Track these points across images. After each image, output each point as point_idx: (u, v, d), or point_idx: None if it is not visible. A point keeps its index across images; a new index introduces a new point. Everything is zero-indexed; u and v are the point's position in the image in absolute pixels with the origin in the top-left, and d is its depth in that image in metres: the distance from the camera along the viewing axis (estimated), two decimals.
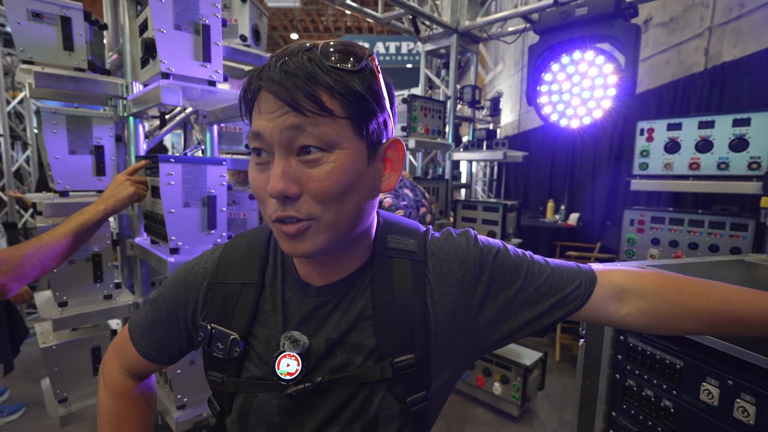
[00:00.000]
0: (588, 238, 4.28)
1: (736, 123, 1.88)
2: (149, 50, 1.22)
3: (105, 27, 1.60)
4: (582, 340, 1.12)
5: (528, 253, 0.68)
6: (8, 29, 3.89)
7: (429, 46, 3.36)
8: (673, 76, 3.88)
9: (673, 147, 2.06)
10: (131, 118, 1.52)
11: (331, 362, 0.59)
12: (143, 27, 1.31)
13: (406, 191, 1.95)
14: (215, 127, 1.75)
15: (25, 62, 1.34)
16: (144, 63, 1.34)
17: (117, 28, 1.69)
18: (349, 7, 2.61)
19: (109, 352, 0.75)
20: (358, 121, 0.50)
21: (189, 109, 1.64)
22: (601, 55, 2.22)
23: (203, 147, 1.56)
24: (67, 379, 1.50)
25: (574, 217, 4.46)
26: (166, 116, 1.70)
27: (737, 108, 2.55)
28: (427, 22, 2.97)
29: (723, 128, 1.91)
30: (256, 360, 0.61)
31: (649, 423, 0.94)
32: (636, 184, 2.17)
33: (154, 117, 1.71)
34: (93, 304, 1.51)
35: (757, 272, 1.16)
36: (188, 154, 1.60)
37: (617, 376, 1.03)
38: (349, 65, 0.49)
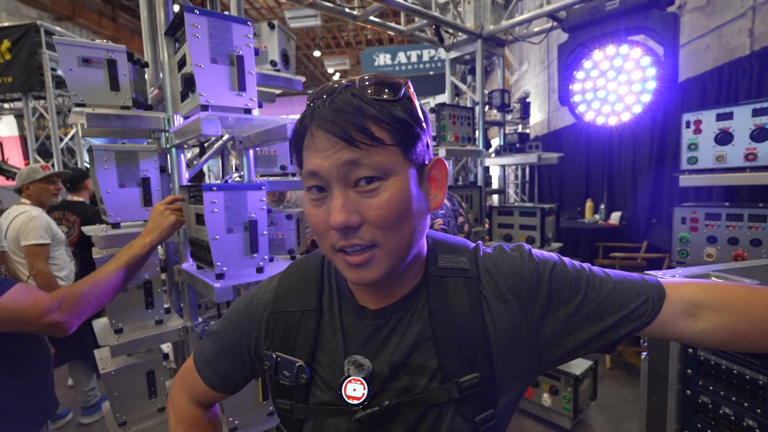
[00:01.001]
0: (632, 237, 4.08)
1: None
2: (189, 84, 1.27)
3: (146, 65, 1.69)
4: (645, 354, 1.05)
5: (586, 265, 0.65)
6: (60, 73, 4.21)
7: (453, 54, 3.34)
8: (715, 62, 3.66)
9: (724, 138, 1.93)
10: (173, 150, 1.58)
11: (396, 385, 0.59)
12: (182, 62, 1.37)
13: (444, 201, 1.92)
14: (251, 152, 1.80)
15: (77, 105, 1.43)
16: (184, 96, 1.39)
17: (157, 65, 1.78)
18: (373, 23, 2.64)
19: (175, 384, 0.78)
20: (405, 146, 0.53)
21: (226, 137, 1.69)
22: (637, 47, 2.13)
23: (242, 173, 1.60)
24: (125, 403, 1.57)
25: (615, 216, 4.27)
26: (205, 144, 1.77)
27: None
28: (451, 30, 2.96)
29: None
30: (322, 386, 0.62)
31: None
32: (685, 180, 2.05)
33: (193, 146, 1.78)
34: (146, 330, 1.57)
35: None
36: (228, 180, 1.65)
37: (688, 392, 0.95)
38: (390, 95, 0.52)
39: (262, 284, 0.73)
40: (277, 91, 1.94)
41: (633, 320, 0.60)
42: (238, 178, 1.65)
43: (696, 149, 2.01)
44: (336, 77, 1.94)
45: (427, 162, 0.57)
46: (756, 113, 1.84)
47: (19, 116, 5.36)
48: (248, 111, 1.35)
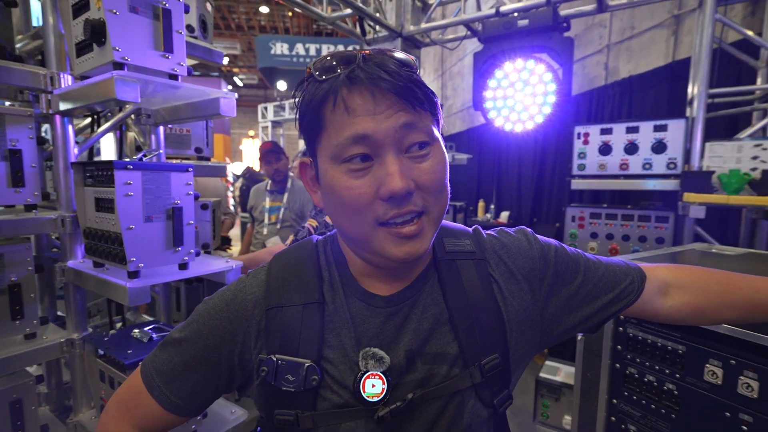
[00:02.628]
0: None
1: (656, 128, 2.15)
2: (96, 35, 1.00)
3: (13, 4, 1.30)
4: (580, 335, 1.17)
5: (580, 251, 0.70)
6: None
7: None
8: (580, 88, 4.34)
9: (606, 149, 2.29)
10: (57, 117, 1.25)
11: (414, 375, 0.55)
12: (82, 5, 1.08)
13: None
14: (161, 129, 1.53)
15: None
16: (82, 50, 1.10)
17: (26, 8, 1.39)
18: (295, 4, 2.47)
19: (111, 413, 0.61)
20: (436, 115, 0.53)
21: (130, 107, 1.39)
22: (541, 63, 2.40)
23: (161, 151, 1.34)
24: None
25: (504, 215, 4.77)
26: (98, 115, 1.43)
27: (641, 117, 2.93)
28: (372, 24, 2.94)
29: (646, 133, 2.18)
30: (333, 386, 0.54)
31: (652, 406, 1.01)
32: (576, 183, 2.37)
33: (86, 116, 1.43)
34: (10, 347, 1.21)
35: (709, 258, 1.32)
36: (143, 160, 1.36)
37: (617, 365, 1.09)
38: (411, 70, 0.51)
39: (244, 279, 0.61)
40: (194, 62, 1.68)
41: (622, 299, 0.66)
42: (153, 159, 1.38)
43: (585, 157, 2.35)
44: (225, 62, 1.75)
45: None
46: (629, 130, 2.23)
47: None
48: (174, 77, 1.13)
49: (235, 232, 6.81)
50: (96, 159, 1.56)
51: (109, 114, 1.57)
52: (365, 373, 0.53)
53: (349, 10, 2.77)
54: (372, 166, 0.49)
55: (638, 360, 1.04)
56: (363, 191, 0.49)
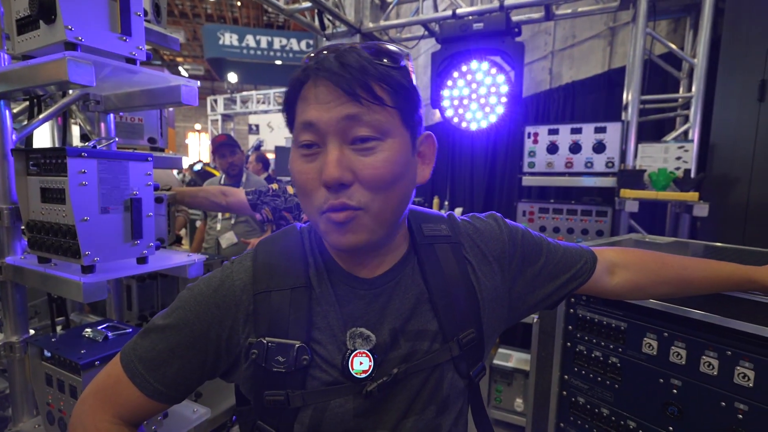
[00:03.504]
0: None
1: (597, 130, 2.35)
2: (45, 11, 0.93)
3: None
4: (536, 318, 1.26)
5: (542, 234, 0.77)
6: None
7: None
8: (527, 91, 4.59)
9: (553, 149, 2.46)
10: None
11: (398, 352, 0.59)
12: None
13: (296, 199, 1.92)
14: (111, 117, 1.44)
15: None
16: (25, 27, 1.02)
17: None
18: None
19: (88, 402, 0.59)
20: (404, 111, 0.54)
21: (76, 91, 1.30)
22: (494, 66, 2.53)
23: (115, 139, 1.26)
24: None
25: (458, 211, 4.94)
26: (39, 99, 1.32)
27: (583, 119, 3.17)
28: (331, 19, 2.93)
29: (588, 134, 2.37)
30: (323, 365, 0.57)
31: (599, 379, 1.12)
32: (526, 180, 2.53)
33: (24, 99, 1.31)
34: None
35: (644, 245, 1.48)
36: (96, 146, 1.27)
37: (569, 344, 1.19)
38: (390, 62, 0.53)
39: (229, 266, 0.62)
40: (147, 47, 1.59)
41: (578, 278, 0.74)
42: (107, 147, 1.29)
43: (534, 156, 2.51)
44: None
45: (419, 135, 0.59)
46: (573, 131, 2.40)
47: None
48: (132, 61, 1.08)
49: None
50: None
51: (50, 99, 1.45)
52: (353, 351, 0.56)
53: (308, 3, 2.74)
54: (319, 153, 0.52)
55: (586, 338, 1.15)
56: (309, 176, 0.53)
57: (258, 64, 11.44)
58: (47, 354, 1.13)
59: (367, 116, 0.50)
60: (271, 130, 12.61)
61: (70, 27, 0.93)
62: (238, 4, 13.88)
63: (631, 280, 0.78)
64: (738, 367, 0.86)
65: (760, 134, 1.84)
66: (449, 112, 2.75)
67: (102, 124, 1.42)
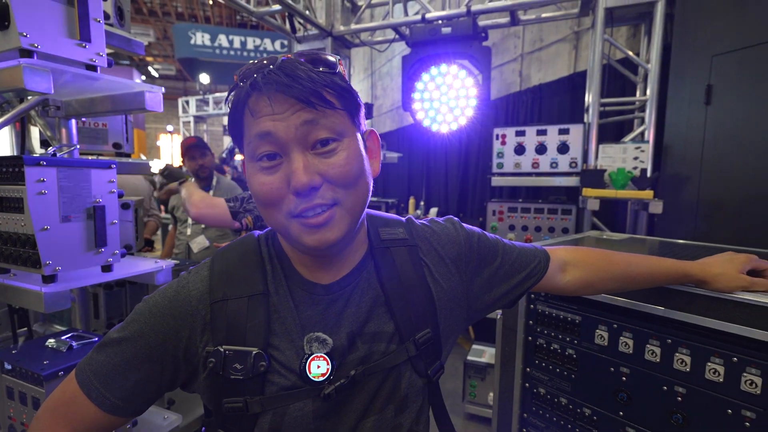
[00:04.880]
0: None
1: (561, 132, 2.44)
2: None
3: None
4: (499, 314, 1.31)
5: (498, 236, 0.81)
6: None
7: (303, 47, 3.32)
8: (498, 93, 4.70)
9: (520, 150, 2.54)
10: None
11: (355, 355, 0.61)
12: None
13: None
14: (73, 123, 1.41)
15: None
16: None
17: None
18: None
19: (44, 420, 0.59)
20: (351, 112, 0.57)
21: (34, 98, 1.27)
22: (463, 69, 2.59)
23: (76, 146, 1.24)
24: None
25: (433, 212, 5.01)
26: None
27: (550, 121, 3.29)
28: (302, 22, 2.93)
29: (552, 135, 2.46)
30: (281, 370, 0.58)
31: (557, 370, 1.18)
32: (496, 181, 2.60)
33: None
34: None
35: (600, 242, 1.56)
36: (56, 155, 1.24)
37: (530, 338, 1.25)
38: (330, 69, 0.55)
39: (186, 276, 0.62)
40: (109, 51, 1.56)
41: (532, 276, 0.78)
42: (67, 155, 1.27)
43: (503, 157, 2.58)
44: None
45: (363, 132, 0.62)
46: (539, 133, 2.49)
47: None
48: (93, 68, 1.07)
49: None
50: None
51: (6, 105, 1.41)
52: (310, 355, 0.57)
53: (278, 6, 2.73)
54: (282, 163, 0.53)
55: (545, 332, 1.21)
56: (275, 186, 0.53)
57: (231, 64, 11.25)
58: (8, 366, 1.11)
59: (323, 120, 0.52)
60: None
61: (25, 34, 0.92)
62: (210, 2, 13.60)
63: (581, 278, 0.83)
64: (677, 354, 0.93)
65: (707, 135, 1.96)
66: (420, 115, 2.80)
67: (63, 130, 1.39)
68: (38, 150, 1.55)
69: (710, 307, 0.88)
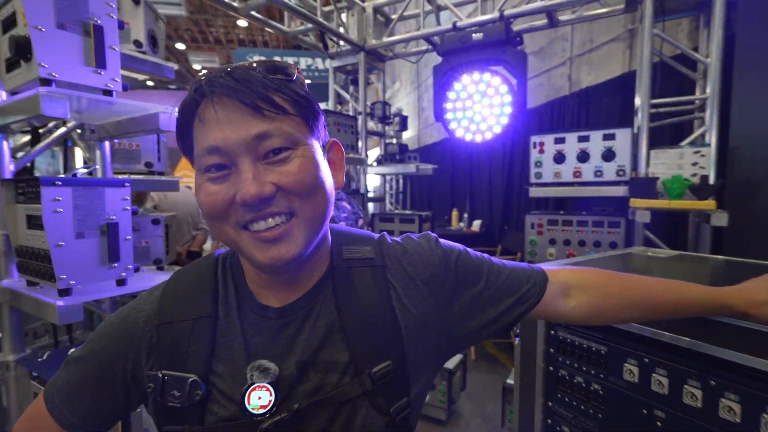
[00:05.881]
0: (490, 242, 4.68)
1: (605, 137, 2.23)
2: (21, 50, 1.00)
3: None
4: (518, 339, 1.19)
5: (485, 255, 0.71)
6: None
7: (336, 63, 3.39)
8: (546, 97, 4.47)
9: (560, 158, 2.36)
10: None
11: (305, 386, 0.55)
12: (10, 21, 1.07)
13: (344, 204, 1.94)
14: (107, 144, 1.52)
15: None
16: (12, 66, 1.09)
17: None
18: (256, 19, 2.50)
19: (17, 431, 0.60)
20: (308, 119, 0.54)
21: (71, 123, 1.38)
22: (497, 76, 2.47)
23: (95, 166, 1.33)
24: None
25: (477, 224, 4.84)
26: (41, 131, 1.42)
27: (599, 125, 3.04)
28: (335, 38, 2.99)
29: (596, 142, 2.26)
30: (221, 400, 0.54)
31: (582, 407, 1.03)
32: (534, 191, 2.44)
33: (23, 131, 1.41)
34: None
35: (642, 260, 1.38)
36: (78, 175, 1.34)
37: (551, 368, 1.11)
38: (285, 75, 0.53)
39: (142, 297, 0.61)
40: (142, 77, 1.68)
41: (524, 302, 0.68)
42: (87, 174, 1.36)
43: (541, 166, 2.42)
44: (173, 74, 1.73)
45: (325, 142, 0.59)
46: (580, 139, 2.30)
47: None
48: (108, 93, 1.13)
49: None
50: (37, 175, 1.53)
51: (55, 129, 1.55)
52: (251, 385, 0.53)
53: (310, 25, 2.81)
54: (231, 173, 0.50)
55: (568, 362, 1.07)
56: (221, 196, 0.50)
57: None
58: (35, 374, 1.19)
59: (276, 130, 0.49)
60: None
61: (43, 64, 1.00)
62: (245, 24, 14.47)
63: (590, 303, 0.71)
64: (723, 400, 0.77)
65: None
66: (453, 125, 2.71)
67: (98, 151, 1.50)
68: (83, 170, 1.69)
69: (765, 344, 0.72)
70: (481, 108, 2.58)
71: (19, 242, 1.14)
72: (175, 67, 1.70)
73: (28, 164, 1.46)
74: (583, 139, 2.29)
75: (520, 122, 2.46)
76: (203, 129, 0.50)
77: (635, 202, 1.98)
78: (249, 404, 0.52)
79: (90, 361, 0.57)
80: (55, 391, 0.58)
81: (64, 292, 1.05)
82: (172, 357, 0.55)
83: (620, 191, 2.18)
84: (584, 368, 1.03)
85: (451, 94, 2.66)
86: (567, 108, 3.71)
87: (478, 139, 2.64)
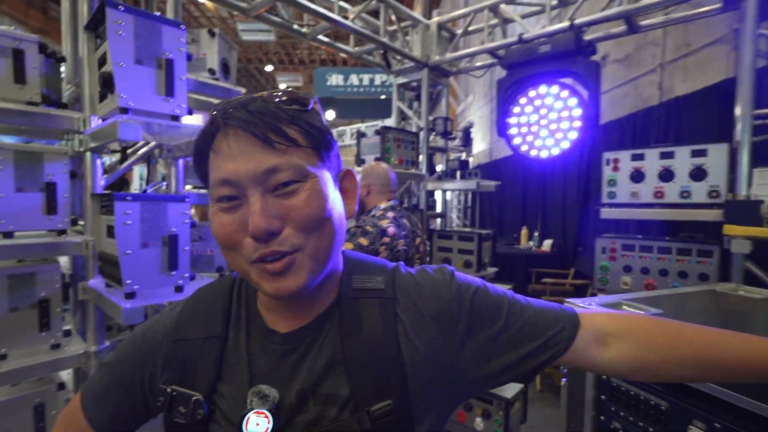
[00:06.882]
0: (562, 263, 4.34)
1: (695, 154, 1.96)
2: (107, 84, 1.16)
3: (63, 60, 1.54)
4: (564, 380, 1.08)
5: (509, 292, 0.65)
6: None
7: (401, 79, 3.43)
8: (632, 108, 4.08)
9: (638, 176, 2.12)
10: (88, 153, 1.43)
11: (305, 416, 0.54)
12: (102, 60, 1.25)
13: (405, 221, 1.93)
14: (181, 162, 1.69)
15: None
16: (102, 97, 1.27)
17: (76, 61, 1.63)
18: (322, 42, 2.64)
19: (58, 423, 0.67)
20: (319, 150, 0.54)
21: (151, 144, 1.57)
22: (566, 89, 2.31)
23: (163, 183, 1.49)
24: None
25: (548, 244, 4.53)
26: (128, 150, 1.63)
27: (693, 138, 2.68)
28: (399, 57, 3.04)
29: (682, 159, 1.99)
30: (222, 421, 0.55)
31: None
32: (605, 213, 2.21)
33: (115, 151, 1.63)
34: (37, 356, 1.37)
35: (727, 301, 1.17)
36: (148, 190, 1.52)
37: (602, 417, 0.99)
38: (299, 106, 0.53)
39: (164, 311, 0.65)
40: (216, 101, 1.85)
41: (551, 347, 0.60)
42: (163, 190, 1.52)
43: (615, 185, 2.19)
44: None
45: (338, 171, 0.59)
46: (663, 156, 2.05)
47: None
48: (176, 118, 1.26)
49: None
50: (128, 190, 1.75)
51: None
52: (250, 410, 0.53)
53: (373, 45, 2.89)
54: (241, 204, 0.51)
55: (622, 414, 0.94)
56: (233, 228, 0.51)
57: (358, 99, 12.31)
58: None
59: (285, 163, 0.50)
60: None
61: (122, 95, 1.14)
62: (311, 44, 15.22)
63: (630, 356, 0.61)
64: None
65: None
66: (517, 140, 2.58)
67: (173, 168, 1.67)
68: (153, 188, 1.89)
69: None
70: (547, 122, 2.43)
71: (101, 248, 1.31)
72: (243, 91, 1.85)
73: (119, 179, 1.67)
74: (667, 155, 2.04)
75: (591, 137, 2.26)
76: (217, 160, 0.52)
77: (732, 229, 1.70)
78: (246, 430, 0.52)
79: (116, 368, 0.62)
80: (88, 391, 0.64)
81: (130, 296, 1.17)
82: (182, 373, 0.57)
83: (713, 215, 1.89)
84: (641, 423, 0.90)
85: (515, 109, 2.54)
86: (654, 119, 3.35)
87: (544, 155, 2.47)
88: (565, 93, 2.32)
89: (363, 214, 1.97)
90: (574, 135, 2.32)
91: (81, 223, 1.54)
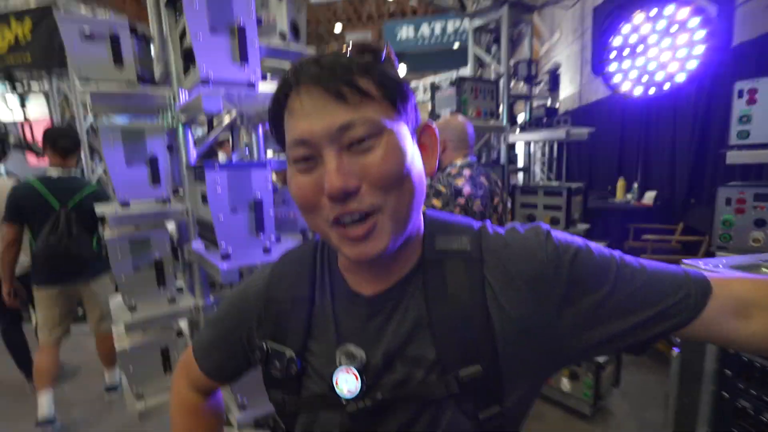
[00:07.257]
0: (667, 218, 3.83)
1: None
2: (189, 58, 1.21)
3: (151, 39, 1.64)
4: (676, 350, 0.95)
5: (617, 252, 0.57)
6: None
7: (477, 22, 3.13)
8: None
9: None
10: (180, 127, 1.54)
11: (392, 377, 0.54)
12: (183, 34, 1.30)
13: (482, 179, 1.83)
14: (260, 128, 1.75)
15: (81, 79, 1.40)
16: (186, 70, 1.34)
17: (162, 39, 1.73)
18: None
19: (177, 369, 0.77)
20: (395, 102, 0.51)
21: (233, 113, 1.64)
22: (686, 6, 1.91)
23: (246, 152, 1.55)
24: (141, 378, 1.60)
25: (649, 196, 4.01)
26: (214, 122, 1.72)
27: None
28: None
29: None
30: (314, 376, 0.58)
31: None
32: (733, 156, 1.85)
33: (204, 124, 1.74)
34: (159, 308, 1.58)
35: None
36: (234, 159, 1.60)
37: (724, 394, 0.85)
38: (371, 57, 0.51)
39: (257, 273, 0.69)
40: (288, 66, 1.86)
41: (670, 317, 0.52)
42: (247, 156, 1.60)
43: (749, 122, 1.81)
44: None
45: (416, 125, 0.56)
46: None
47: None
48: (252, 85, 1.28)
49: None
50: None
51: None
52: (339, 368, 0.55)
53: None
54: (317, 164, 0.50)
55: (753, 392, 0.80)
56: (310, 189, 0.50)
57: (435, 52, 11.71)
58: None
59: (359, 118, 0.48)
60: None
61: (202, 65, 1.18)
62: None
63: None
64: None
65: None
66: (617, 78, 2.25)
67: (254, 135, 1.74)
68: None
69: None
70: (658, 52, 2.05)
71: (198, 214, 1.43)
72: (369, 39, 1.82)
73: (213, 147, 1.78)
74: None
75: (718, 63, 1.86)
76: (291, 120, 0.50)
77: None
78: (337, 385, 0.54)
79: (218, 325, 0.69)
80: (198, 344, 0.72)
81: (225, 257, 1.27)
82: (276, 331, 0.61)
83: None
84: None
85: (616, 40, 2.19)
86: None
87: (651, 92, 2.13)
88: (684, 12, 1.92)
89: (437, 171, 1.88)
90: (693, 64, 1.94)
91: (180, 192, 1.70)
